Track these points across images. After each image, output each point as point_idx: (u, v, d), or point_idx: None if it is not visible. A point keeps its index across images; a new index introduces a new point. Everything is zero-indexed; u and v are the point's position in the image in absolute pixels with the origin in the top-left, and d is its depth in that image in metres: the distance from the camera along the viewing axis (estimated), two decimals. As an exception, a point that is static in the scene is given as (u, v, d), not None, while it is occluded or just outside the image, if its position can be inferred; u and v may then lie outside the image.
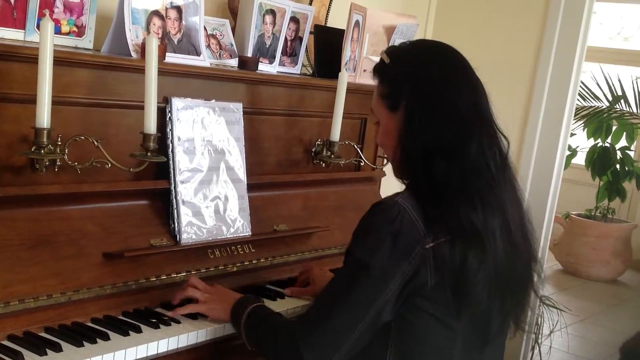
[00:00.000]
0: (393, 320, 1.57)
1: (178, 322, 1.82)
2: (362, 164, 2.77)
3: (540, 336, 3.68)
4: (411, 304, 1.55)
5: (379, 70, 1.71)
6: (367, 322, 1.54)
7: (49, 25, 1.65)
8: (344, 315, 1.54)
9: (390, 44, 2.74)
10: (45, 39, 1.65)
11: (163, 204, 2.04)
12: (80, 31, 2.05)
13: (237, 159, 2.19)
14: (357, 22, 2.65)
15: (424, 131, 1.58)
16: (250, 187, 2.23)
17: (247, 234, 2.19)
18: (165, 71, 1.96)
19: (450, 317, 1.55)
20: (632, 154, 6.49)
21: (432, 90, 1.60)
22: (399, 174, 1.70)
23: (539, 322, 3.62)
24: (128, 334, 1.71)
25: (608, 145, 6.39)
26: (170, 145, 2.02)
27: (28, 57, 1.70)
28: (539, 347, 3.70)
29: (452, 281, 1.52)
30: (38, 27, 1.90)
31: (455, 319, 1.56)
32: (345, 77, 2.44)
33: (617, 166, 6.36)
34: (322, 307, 1.61)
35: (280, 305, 2.03)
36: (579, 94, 5.53)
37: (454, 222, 1.52)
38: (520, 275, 1.65)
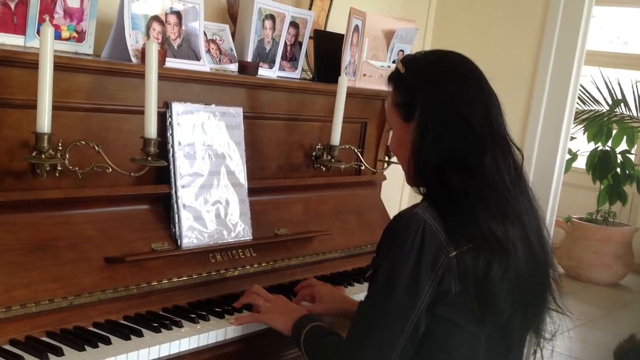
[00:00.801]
0: None
1: (180, 326, 1.82)
2: (362, 168, 2.78)
3: (542, 340, 3.68)
4: (434, 313, 1.54)
5: (394, 78, 1.70)
6: (407, 334, 1.53)
7: (49, 31, 1.65)
8: (384, 334, 1.54)
9: (389, 48, 2.74)
10: (46, 45, 1.65)
11: (164, 208, 2.04)
12: (80, 37, 2.06)
13: (237, 164, 2.20)
14: (356, 27, 2.66)
15: (437, 144, 1.57)
16: (251, 192, 2.23)
17: (248, 238, 2.20)
18: (165, 76, 1.97)
19: (473, 325, 1.55)
20: (632, 157, 6.49)
21: (445, 104, 1.59)
22: (412, 182, 1.69)
23: (545, 328, 3.61)
24: (129, 338, 1.70)
25: (608, 148, 6.39)
26: (171, 149, 2.03)
27: (28, 63, 1.71)
28: (541, 351, 3.70)
29: (476, 290, 1.52)
30: (38, 32, 1.90)
31: (479, 327, 1.55)
32: (345, 82, 2.44)
33: (618, 170, 6.36)
34: (362, 326, 1.59)
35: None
36: (579, 98, 5.54)
37: (475, 231, 1.52)
38: (539, 284, 1.65)
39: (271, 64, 2.55)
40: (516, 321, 1.60)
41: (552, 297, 1.71)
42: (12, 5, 1.90)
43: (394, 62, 2.77)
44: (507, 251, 1.53)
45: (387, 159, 2.86)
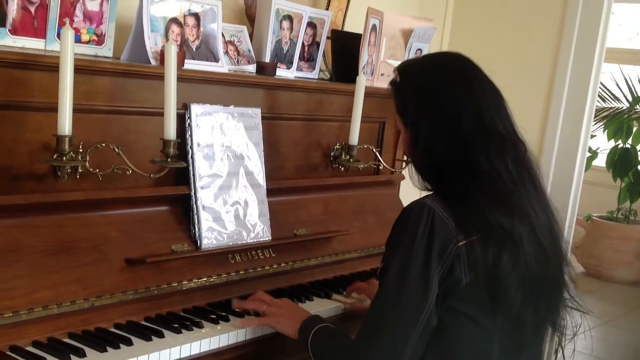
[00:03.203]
0: None
1: (201, 326, 1.83)
2: (381, 167, 2.77)
3: (563, 339, 3.66)
4: (446, 306, 1.55)
5: (392, 86, 1.74)
6: (420, 328, 1.53)
7: (69, 34, 1.67)
8: (397, 326, 1.54)
9: (407, 48, 2.74)
10: (66, 48, 1.67)
11: (183, 209, 2.05)
12: (100, 39, 2.07)
13: (256, 164, 2.20)
14: (374, 26, 2.66)
15: (430, 150, 1.61)
16: (270, 192, 2.24)
17: (267, 238, 2.20)
18: (184, 78, 1.98)
19: (485, 317, 1.55)
20: (653, 154, 6.44)
21: (433, 108, 1.62)
22: (420, 182, 1.71)
23: (563, 325, 3.59)
24: (150, 339, 1.71)
25: (629, 146, 6.34)
26: (190, 151, 2.04)
27: (49, 66, 1.72)
28: (562, 350, 3.67)
29: (486, 279, 1.52)
30: (58, 36, 1.92)
31: (491, 319, 1.55)
32: (363, 81, 2.44)
33: (639, 167, 6.30)
34: (373, 321, 1.59)
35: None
36: (599, 96, 5.49)
37: (483, 222, 1.53)
38: (552, 280, 1.65)
39: (289, 65, 2.56)
40: (528, 315, 1.60)
41: (567, 292, 1.70)
42: (32, 9, 1.92)
43: (411, 61, 2.76)
44: (515, 244, 1.54)
45: (405, 158, 2.86)
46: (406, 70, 1.73)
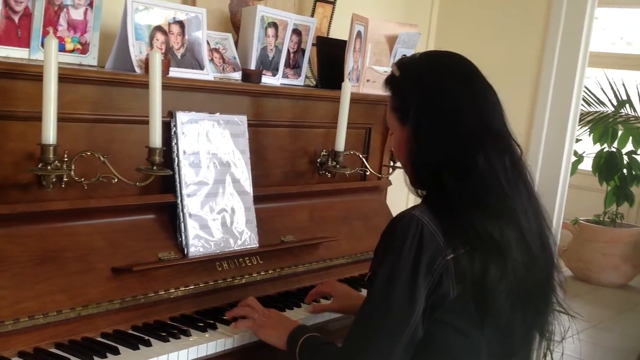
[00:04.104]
0: None
1: (188, 335, 1.82)
2: (367, 173, 2.78)
3: (552, 343, 3.67)
4: (434, 318, 1.54)
5: (390, 82, 1.70)
6: (406, 340, 1.52)
7: (53, 43, 1.66)
8: (382, 339, 1.53)
9: (392, 53, 2.75)
10: (50, 57, 1.66)
11: (170, 217, 2.04)
12: (84, 48, 2.07)
13: (242, 171, 2.20)
14: (359, 33, 2.66)
15: (431, 147, 1.58)
16: (257, 199, 2.24)
17: (254, 245, 2.20)
18: (169, 86, 1.98)
19: (473, 329, 1.55)
20: (639, 158, 6.47)
21: (436, 106, 1.60)
22: (413, 184, 1.69)
23: (551, 329, 3.61)
24: (138, 348, 1.71)
25: (614, 150, 6.38)
26: (176, 159, 2.03)
27: (33, 75, 1.71)
28: (551, 354, 3.69)
29: (474, 292, 1.51)
30: (42, 45, 1.91)
31: (480, 331, 1.55)
32: (348, 88, 2.45)
33: (625, 171, 6.34)
34: (359, 333, 1.58)
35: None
36: (584, 100, 5.53)
37: (472, 233, 1.52)
38: (540, 285, 1.64)
39: (274, 72, 2.56)
40: (516, 323, 1.59)
41: (556, 298, 1.70)
42: (16, 19, 1.91)
43: (397, 67, 2.77)
44: (503, 252, 1.53)
45: (392, 164, 2.86)
46: (406, 67, 1.69)
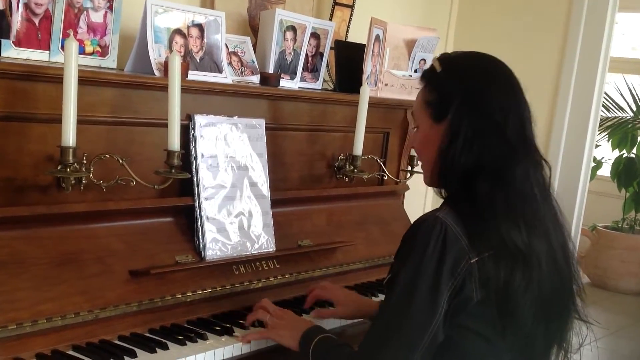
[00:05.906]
0: None
1: (205, 338, 1.82)
2: (385, 178, 2.77)
3: (569, 351, 3.64)
4: (456, 322, 1.52)
5: (428, 76, 1.66)
6: (426, 344, 1.50)
7: (73, 46, 1.67)
8: (402, 342, 1.51)
9: (411, 58, 2.74)
10: (70, 59, 1.67)
11: (187, 220, 2.04)
12: (103, 51, 2.08)
13: (260, 175, 2.20)
14: (377, 37, 2.66)
15: (468, 150, 1.54)
16: (274, 203, 2.23)
17: (271, 249, 2.19)
18: (188, 89, 1.98)
19: (495, 336, 1.52)
20: (658, 164, 6.41)
21: (481, 109, 1.56)
22: (433, 183, 1.67)
23: (568, 339, 3.58)
24: (155, 351, 1.71)
25: (633, 155, 6.32)
26: (194, 162, 2.03)
27: (53, 78, 1.72)
28: (569, 362, 3.66)
29: (498, 298, 1.49)
30: (62, 47, 1.92)
31: (501, 338, 1.53)
32: (367, 92, 2.44)
33: (643, 177, 6.28)
34: (378, 335, 1.56)
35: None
36: (603, 105, 5.48)
37: (496, 238, 1.50)
38: (563, 299, 1.63)
39: (293, 75, 2.56)
40: (538, 334, 1.57)
41: (576, 311, 1.68)
42: (37, 21, 1.92)
43: (415, 71, 2.76)
44: (529, 262, 1.51)
45: (409, 168, 2.85)
46: (451, 62, 1.64)
